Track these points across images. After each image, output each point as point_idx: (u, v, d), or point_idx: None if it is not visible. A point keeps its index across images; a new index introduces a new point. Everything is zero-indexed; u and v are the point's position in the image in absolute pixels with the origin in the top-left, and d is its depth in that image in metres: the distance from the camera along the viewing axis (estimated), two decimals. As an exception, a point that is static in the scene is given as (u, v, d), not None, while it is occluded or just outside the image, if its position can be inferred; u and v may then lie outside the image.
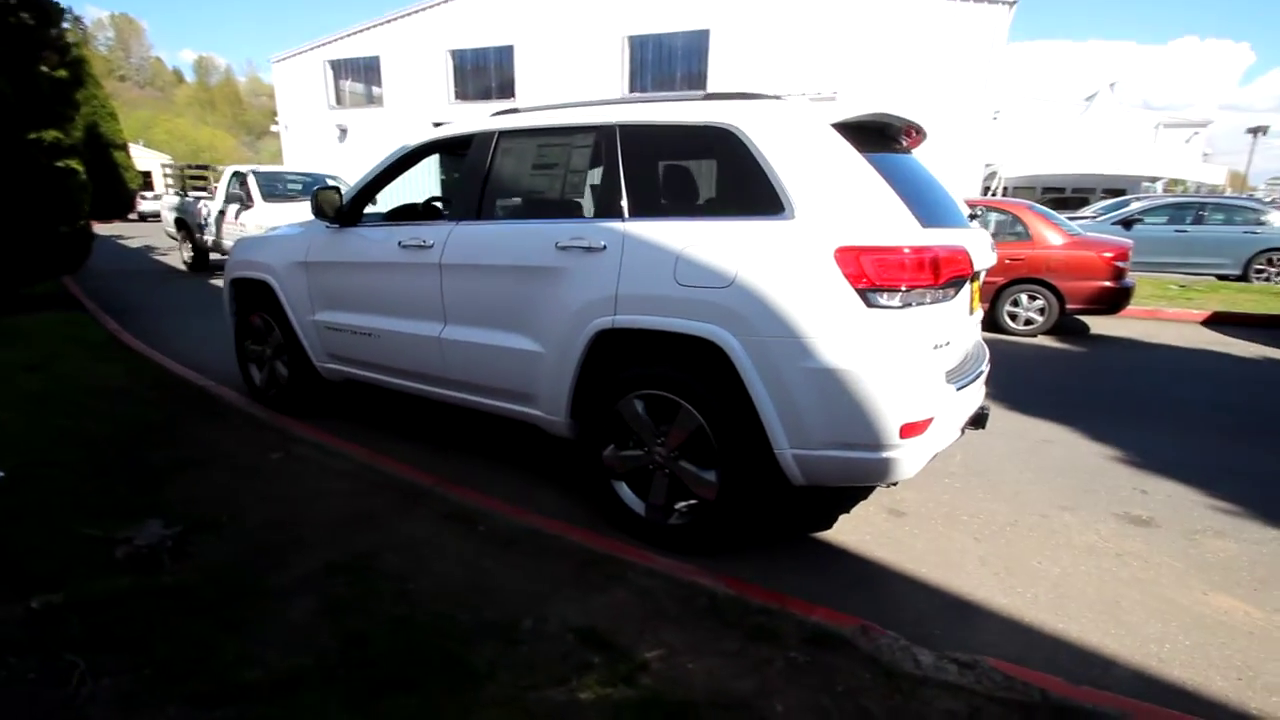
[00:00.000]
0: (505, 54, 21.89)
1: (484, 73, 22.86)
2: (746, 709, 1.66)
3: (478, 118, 3.13)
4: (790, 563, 2.51)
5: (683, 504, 2.53)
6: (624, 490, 2.67)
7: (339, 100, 25.10)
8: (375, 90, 24.41)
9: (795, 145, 2.25)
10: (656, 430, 2.52)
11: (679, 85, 19.82)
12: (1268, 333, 7.55)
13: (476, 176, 2.97)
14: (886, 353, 2.11)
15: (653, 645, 1.90)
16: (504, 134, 2.94)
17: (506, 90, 22.27)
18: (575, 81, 20.46)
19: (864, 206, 2.16)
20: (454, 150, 3.67)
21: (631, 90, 20.31)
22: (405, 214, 3.72)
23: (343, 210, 3.42)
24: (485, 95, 22.84)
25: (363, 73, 24.49)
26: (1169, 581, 2.46)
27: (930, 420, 2.20)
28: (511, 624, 1.99)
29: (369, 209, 3.56)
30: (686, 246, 2.32)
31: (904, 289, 2.09)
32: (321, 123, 24.71)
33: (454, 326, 3.01)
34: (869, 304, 2.09)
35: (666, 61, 20.08)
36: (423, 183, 5.28)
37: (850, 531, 2.76)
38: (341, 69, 24.75)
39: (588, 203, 2.71)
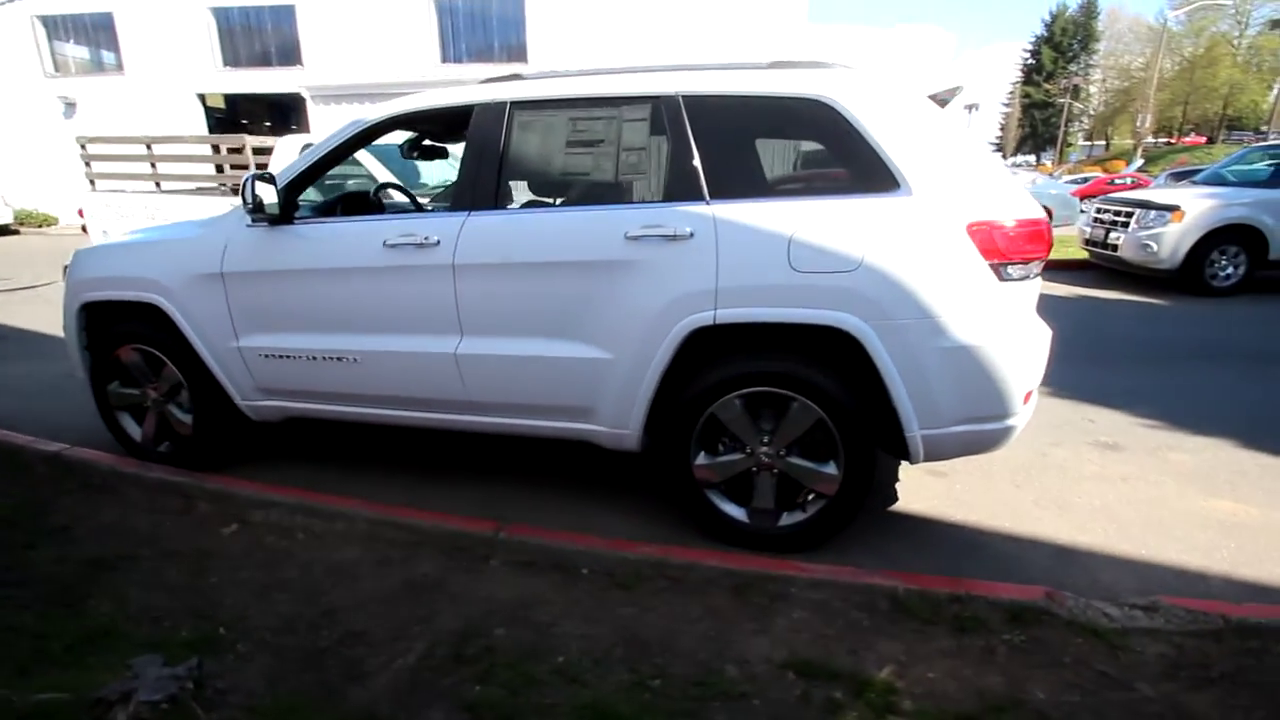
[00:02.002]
0: (284, 14, 19.02)
1: (258, 35, 19.69)
2: (1020, 707, 1.60)
3: (465, 87, 2.59)
4: (892, 543, 2.50)
5: (801, 502, 2.39)
6: (721, 500, 2.45)
7: (58, 67, 20.00)
8: (108, 56, 19.81)
9: (900, 118, 2.17)
10: (759, 430, 2.33)
11: (497, 56, 18.81)
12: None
13: (488, 157, 2.47)
14: (1016, 324, 2.15)
15: (877, 663, 1.76)
16: (519, 105, 2.47)
17: (289, 57, 19.50)
18: (375, 51, 18.45)
19: (977, 180, 2.15)
20: (428, 126, 3.06)
21: (444, 61, 18.87)
22: (356, 205, 3.01)
23: (280, 203, 2.66)
24: (263, 61, 19.76)
25: (90, 33, 19.74)
26: (1174, 496, 2.86)
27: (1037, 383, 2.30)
28: (716, 677, 1.72)
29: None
30: (799, 230, 2.14)
31: (1026, 260, 2.14)
32: (36, 95, 19.52)
33: (476, 339, 2.51)
34: (1001, 277, 2.10)
35: (481, 30, 18.91)
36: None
37: (914, 499, 2.83)
38: (59, 28, 19.70)
39: (647, 185, 2.37)
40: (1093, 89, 53.30)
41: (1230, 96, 43.29)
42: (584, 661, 1.79)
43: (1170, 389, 4.14)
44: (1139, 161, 31.31)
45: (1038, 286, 2.28)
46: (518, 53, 18.72)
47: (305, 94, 18.17)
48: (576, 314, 2.38)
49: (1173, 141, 44.80)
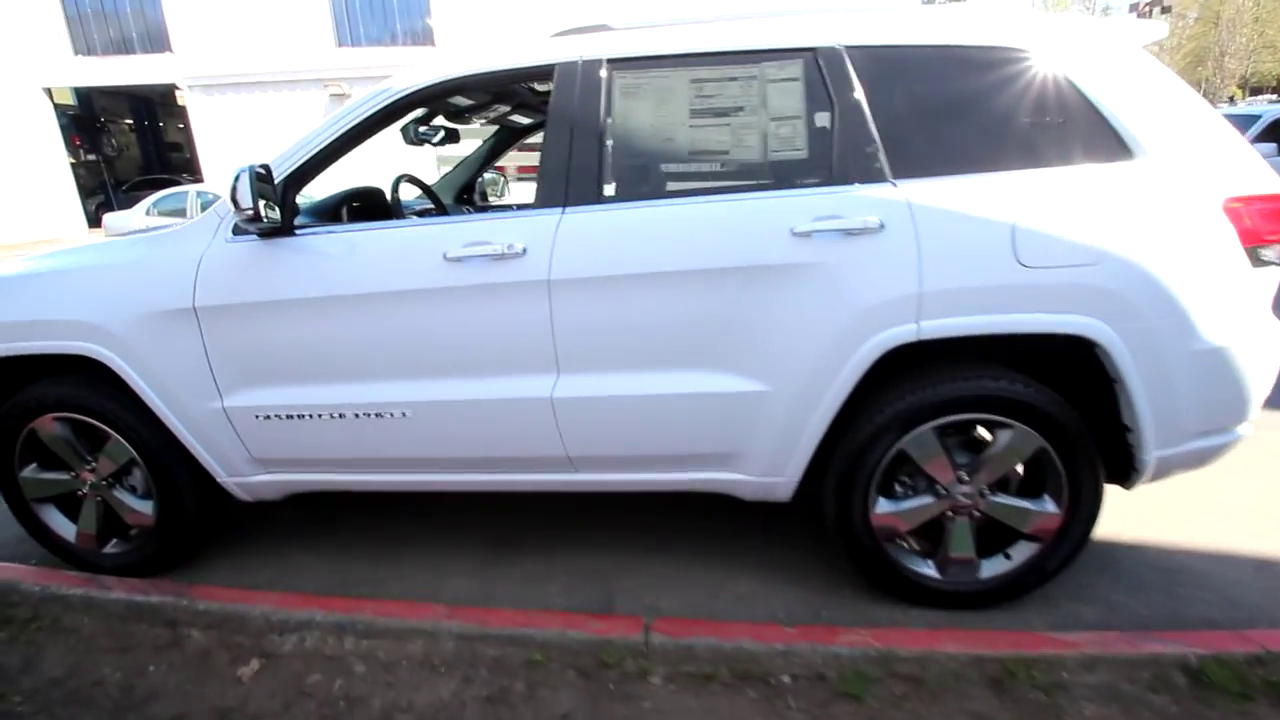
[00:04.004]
0: (147, -5, 16.75)
1: (116, 21, 17.26)
2: None
3: (532, 43, 1.96)
4: (1088, 578, 2.12)
5: (1005, 549, 1.96)
6: (904, 554, 1.98)
7: None
8: (-79, 41, 16.75)
9: (1124, 71, 1.75)
10: (956, 465, 1.88)
11: (401, 40, 17.42)
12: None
13: (584, 134, 1.85)
14: (1267, 317, 1.80)
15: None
16: (620, 64, 1.87)
17: (156, 43, 17.25)
18: (261, 35, 16.59)
19: (1219, 143, 1.77)
20: (473, 96, 2.37)
21: (341, 45, 17.27)
22: (368, 207, 2.29)
23: (280, 205, 1.92)
24: (124, 49, 17.36)
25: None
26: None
27: None
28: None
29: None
30: (1024, 212, 1.69)
31: (1276, 242, 1.78)
32: None
33: (579, 376, 1.90)
34: (1256, 262, 1.74)
35: (381, 11, 17.42)
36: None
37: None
38: None
39: (808, 165, 1.83)
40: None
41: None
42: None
43: None
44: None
45: None
46: (423, 36, 17.43)
47: (182, 84, 16.09)
48: (719, 336, 1.83)
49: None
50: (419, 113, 2.60)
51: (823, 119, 1.80)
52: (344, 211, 2.33)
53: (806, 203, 1.76)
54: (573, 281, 1.83)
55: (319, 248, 1.98)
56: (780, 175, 1.82)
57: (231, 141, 15.96)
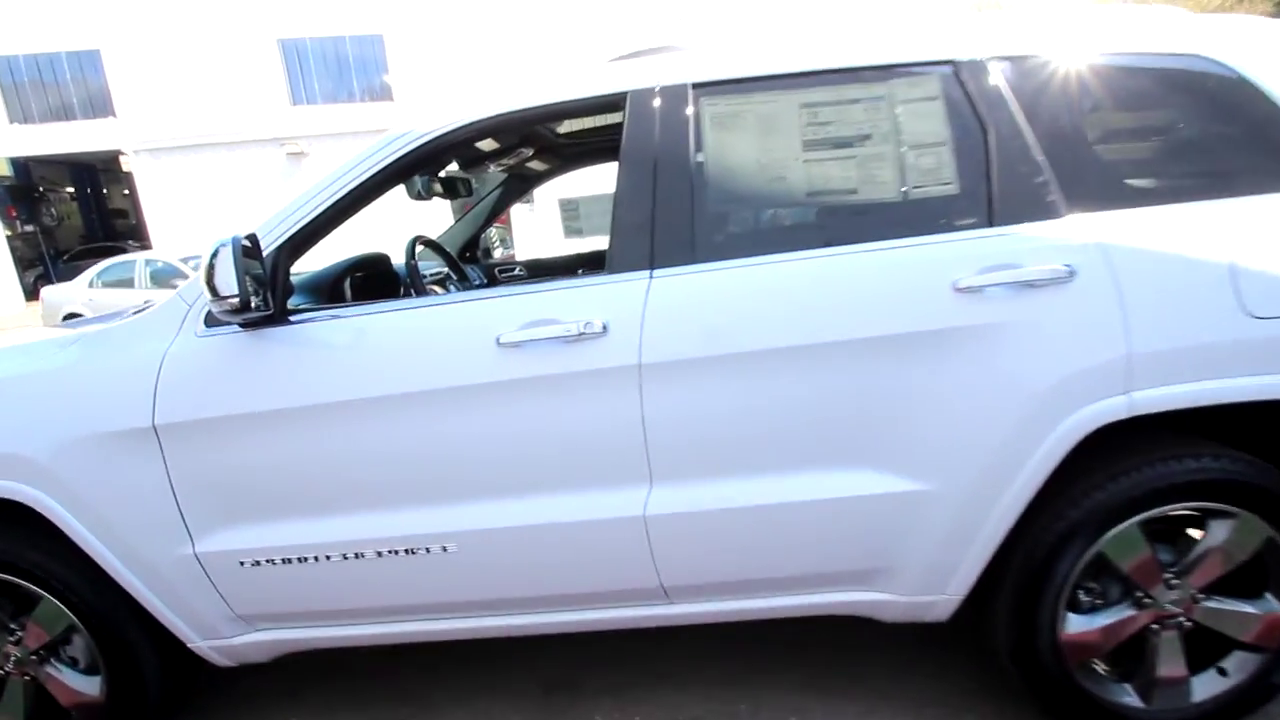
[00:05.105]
0: (89, 61, 16.15)
1: (55, 87, 16.59)
2: None
3: (592, 70, 1.57)
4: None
5: (1223, 664, 1.55)
6: (1097, 681, 1.56)
7: None
8: None
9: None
10: (1163, 567, 1.49)
11: (359, 97, 17.13)
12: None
13: (670, 176, 1.46)
14: None
15: None
16: (708, 89, 1.49)
17: (99, 108, 16.63)
18: (212, 96, 16.10)
19: None
20: (501, 139, 1.98)
21: (296, 104, 16.87)
22: (375, 280, 1.84)
23: (271, 285, 1.45)
24: (64, 115, 16.66)
25: None
26: None
27: None
28: None
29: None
30: (1241, 250, 1.34)
31: None
32: None
33: (678, 486, 1.46)
34: None
35: (336, 70, 17.15)
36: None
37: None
38: None
39: (957, 203, 1.47)
40: None
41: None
42: None
43: None
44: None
45: None
46: (380, 93, 17.19)
47: (127, 149, 15.40)
48: (863, 425, 1.42)
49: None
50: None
51: (974, 145, 1.44)
52: (347, 286, 1.87)
53: (967, 249, 1.39)
54: (670, 365, 1.41)
55: (322, 338, 1.52)
56: (926, 216, 1.44)
57: (181, 206, 15.26)
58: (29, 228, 19.13)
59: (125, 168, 16.94)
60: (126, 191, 19.96)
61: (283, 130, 16.07)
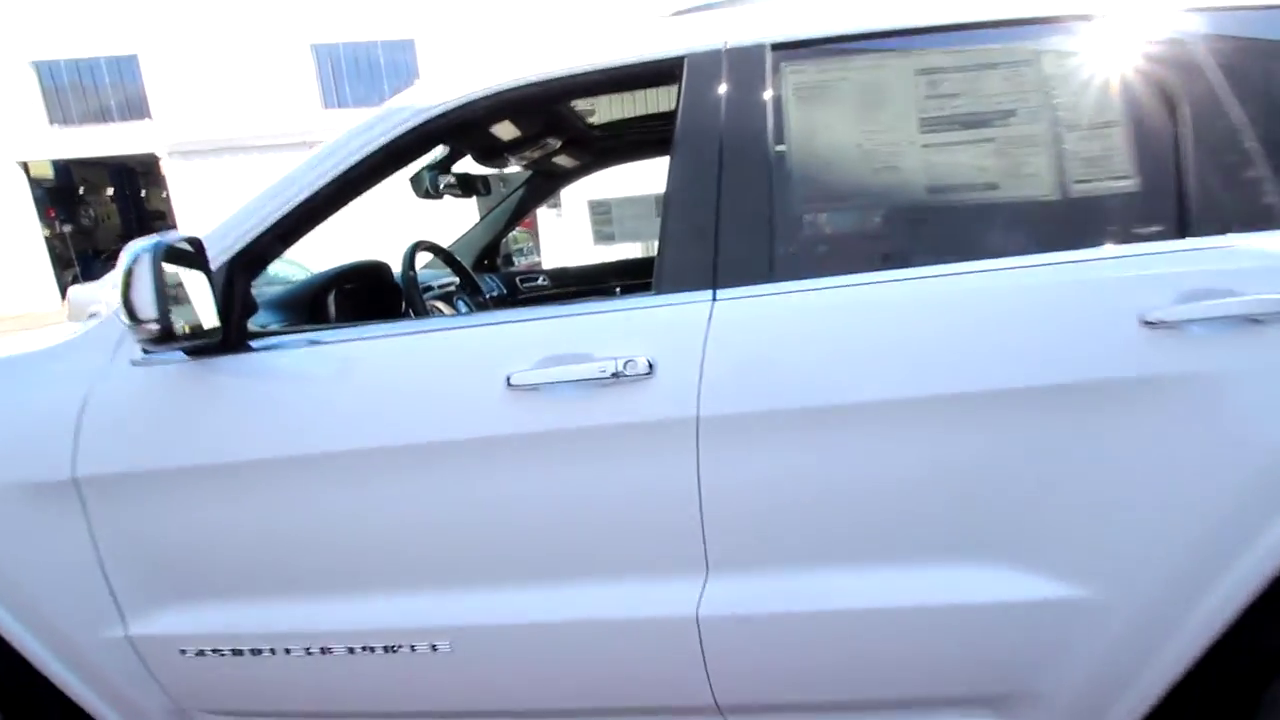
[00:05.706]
0: (127, 65, 16.39)
1: (94, 90, 16.88)
2: None
3: (637, 29, 1.22)
4: None
5: None
6: None
7: None
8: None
9: None
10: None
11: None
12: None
13: (744, 167, 1.09)
14: None
15: None
16: (791, 50, 1.12)
17: (135, 110, 16.85)
18: (245, 100, 16.22)
19: None
20: (523, 123, 1.67)
21: (328, 107, 16.92)
22: (368, 294, 1.51)
23: (225, 304, 1.13)
24: (102, 117, 16.96)
25: None
26: None
27: None
28: None
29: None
30: None
31: None
32: None
33: (742, 579, 1.09)
34: None
35: (369, 75, 17.18)
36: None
37: None
38: None
39: (1138, 198, 1.08)
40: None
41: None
42: None
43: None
44: None
45: None
46: (412, 98, 17.14)
47: (161, 151, 15.60)
48: (1001, 507, 1.04)
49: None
50: (438, 153, 1.86)
51: (1161, 125, 1.05)
52: (330, 302, 1.53)
53: (1157, 268, 1.00)
54: (737, 419, 1.04)
55: (287, 369, 1.18)
56: (1096, 222, 1.06)
57: (213, 207, 15.35)
58: (67, 228, 19.52)
59: (162, 170, 17.17)
60: (165, 193, 20.29)
61: (315, 134, 16.07)
